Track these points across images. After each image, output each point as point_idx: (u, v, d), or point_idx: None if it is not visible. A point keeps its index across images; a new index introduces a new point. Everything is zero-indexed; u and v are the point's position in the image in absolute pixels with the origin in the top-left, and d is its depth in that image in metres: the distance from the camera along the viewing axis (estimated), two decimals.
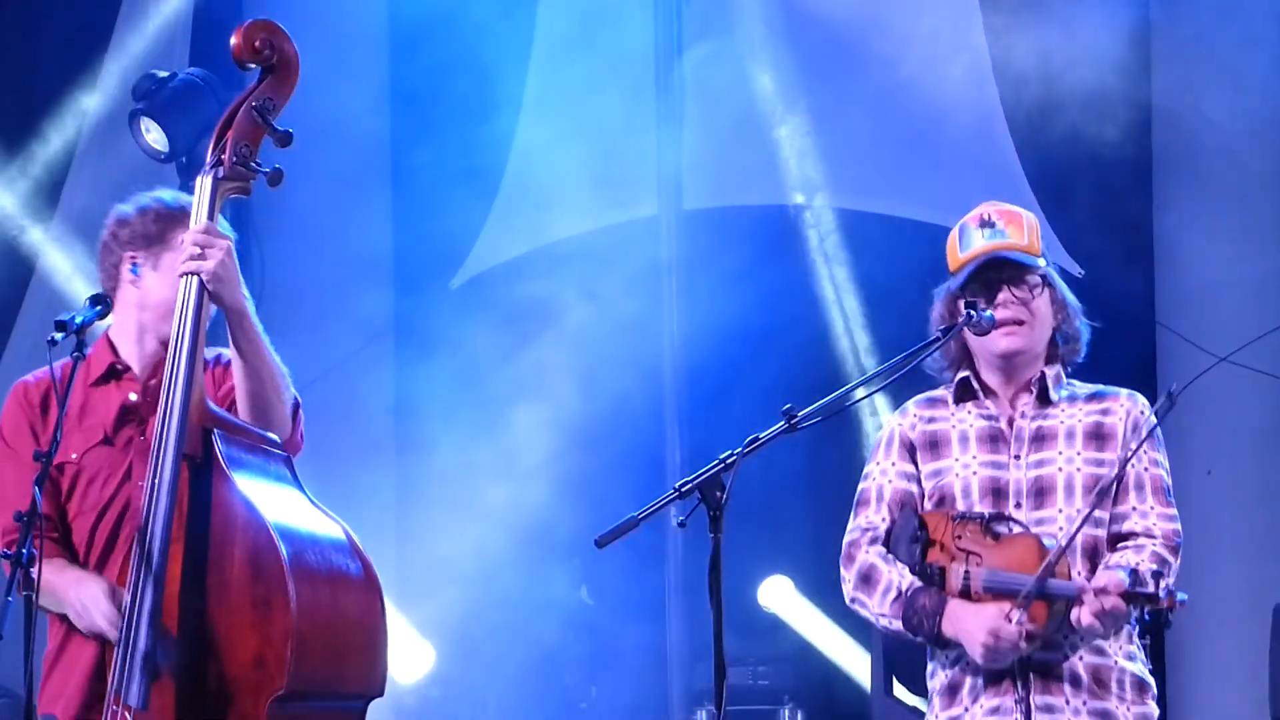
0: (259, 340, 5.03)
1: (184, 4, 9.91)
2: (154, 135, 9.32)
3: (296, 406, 5.14)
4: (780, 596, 9.91)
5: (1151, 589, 4.94)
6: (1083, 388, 5.36)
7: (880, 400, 9.39)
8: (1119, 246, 9.56)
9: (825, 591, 9.53)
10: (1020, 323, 5.24)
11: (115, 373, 5.25)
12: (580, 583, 10.16)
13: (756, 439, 4.83)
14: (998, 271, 5.26)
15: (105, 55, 9.96)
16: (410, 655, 9.73)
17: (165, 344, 5.10)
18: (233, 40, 5.02)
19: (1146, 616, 5.00)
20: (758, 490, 8.85)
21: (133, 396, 5.21)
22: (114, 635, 4.87)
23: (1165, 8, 9.60)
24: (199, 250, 4.92)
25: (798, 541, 9.66)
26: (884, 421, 5.56)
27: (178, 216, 5.23)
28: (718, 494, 4.72)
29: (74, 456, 5.14)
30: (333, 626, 4.80)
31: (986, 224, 5.31)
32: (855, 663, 9.77)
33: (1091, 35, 9.42)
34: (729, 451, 4.76)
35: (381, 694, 4.91)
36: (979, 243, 5.28)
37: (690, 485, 4.74)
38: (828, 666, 9.96)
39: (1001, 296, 5.24)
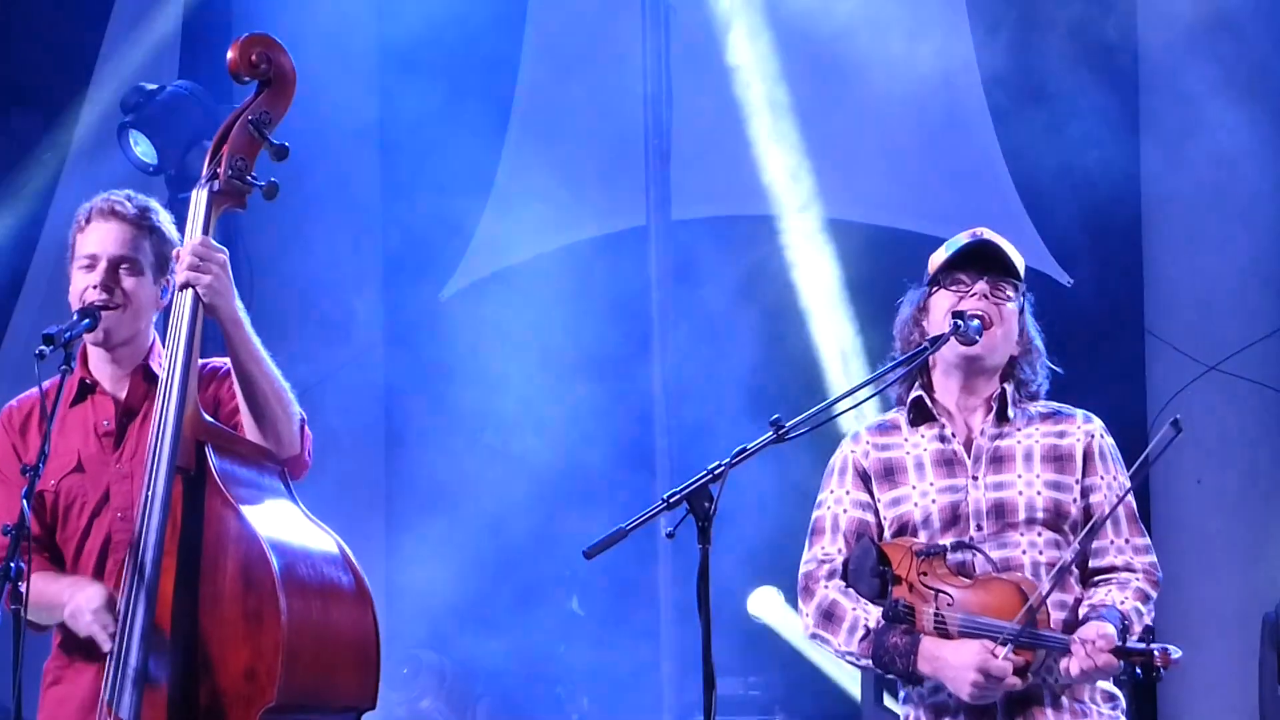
0: (258, 352, 5.02)
1: (173, 17, 9.91)
2: (142, 148, 9.33)
3: (303, 423, 5.13)
4: (770, 607, 9.91)
5: (1144, 645, 4.94)
6: (1036, 406, 5.32)
7: (869, 409, 9.39)
8: (1108, 255, 9.58)
9: None
10: (989, 325, 5.22)
11: (86, 390, 5.20)
12: (571, 594, 10.15)
13: (744, 449, 4.82)
14: (984, 261, 5.25)
15: (94, 67, 9.97)
16: (400, 667, 9.72)
17: (116, 360, 5.13)
18: (229, 54, 5.02)
19: (1139, 672, 4.99)
20: (747, 500, 8.87)
21: (105, 423, 5.19)
22: (106, 642, 4.85)
23: (1152, 20, 9.62)
24: (197, 262, 4.92)
25: (787, 551, 9.65)
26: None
27: (78, 222, 5.19)
28: (706, 505, 4.71)
29: (51, 484, 5.10)
30: (324, 639, 4.80)
31: (976, 237, 5.33)
32: (846, 673, 9.78)
33: (1080, 46, 9.44)
34: (717, 462, 4.76)
35: (373, 707, 4.90)
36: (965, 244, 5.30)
37: (678, 496, 4.73)
38: (818, 677, 9.96)
39: (980, 287, 5.23)
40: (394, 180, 10.22)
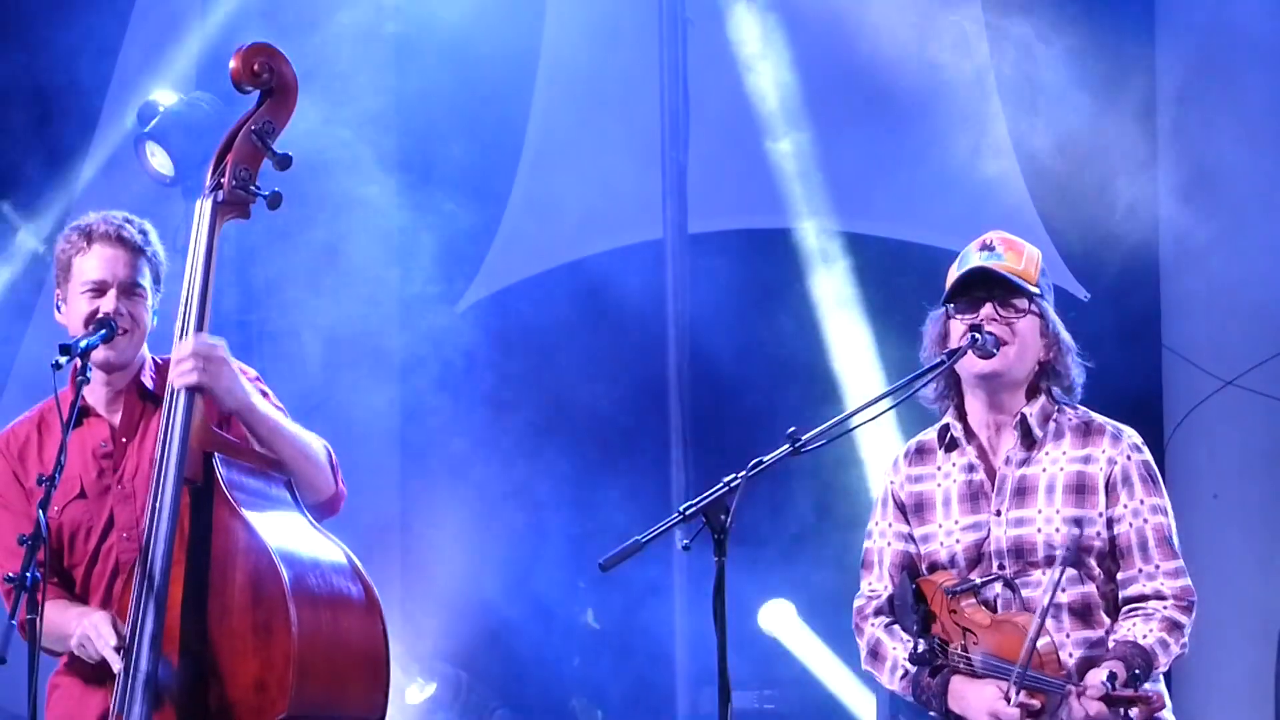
0: (276, 424, 5.04)
1: (190, 29, 9.92)
2: (159, 159, 9.34)
3: (330, 457, 5.15)
4: (782, 620, 9.88)
5: (1131, 692, 4.93)
6: (1071, 416, 5.30)
7: (887, 421, 9.39)
8: (1124, 269, 9.56)
9: (828, 615, 9.55)
10: (1002, 343, 5.20)
11: (80, 414, 5.16)
12: (586, 607, 10.15)
13: (760, 462, 4.83)
14: (986, 289, 5.24)
15: (111, 78, 9.97)
16: (415, 680, 9.72)
17: (110, 382, 5.14)
18: (231, 64, 5.06)
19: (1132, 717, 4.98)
20: (762, 513, 8.87)
21: (103, 444, 5.19)
22: (117, 662, 4.85)
23: (1171, 30, 9.61)
24: (204, 364, 4.91)
25: (802, 564, 9.66)
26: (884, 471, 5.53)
27: (76, 242, 5.19)
28: (722, 517, 4.72)
29: (55, 510, 5.10)
30: (334, 650, 4.81)
31: (987, 247, 5.31)
32: (860, 687, 9.76)
33: (1099, 57, 9.43)
34: (733, 475, 4.76)
35: (383, 717, 4.91)
36: (974, 263, 5.28)
37: (694, 509, 4.75)
38: (834, 690, 9.95)
39: (985, 312, 5.21)
40: (410, 192, 10.21)
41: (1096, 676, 4.97)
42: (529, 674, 9.91)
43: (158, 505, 4.82)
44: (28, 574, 4.61)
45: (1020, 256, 5.29)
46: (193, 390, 4.91)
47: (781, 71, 9.99)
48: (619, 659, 9.75)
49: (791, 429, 4.90)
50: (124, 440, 5.18)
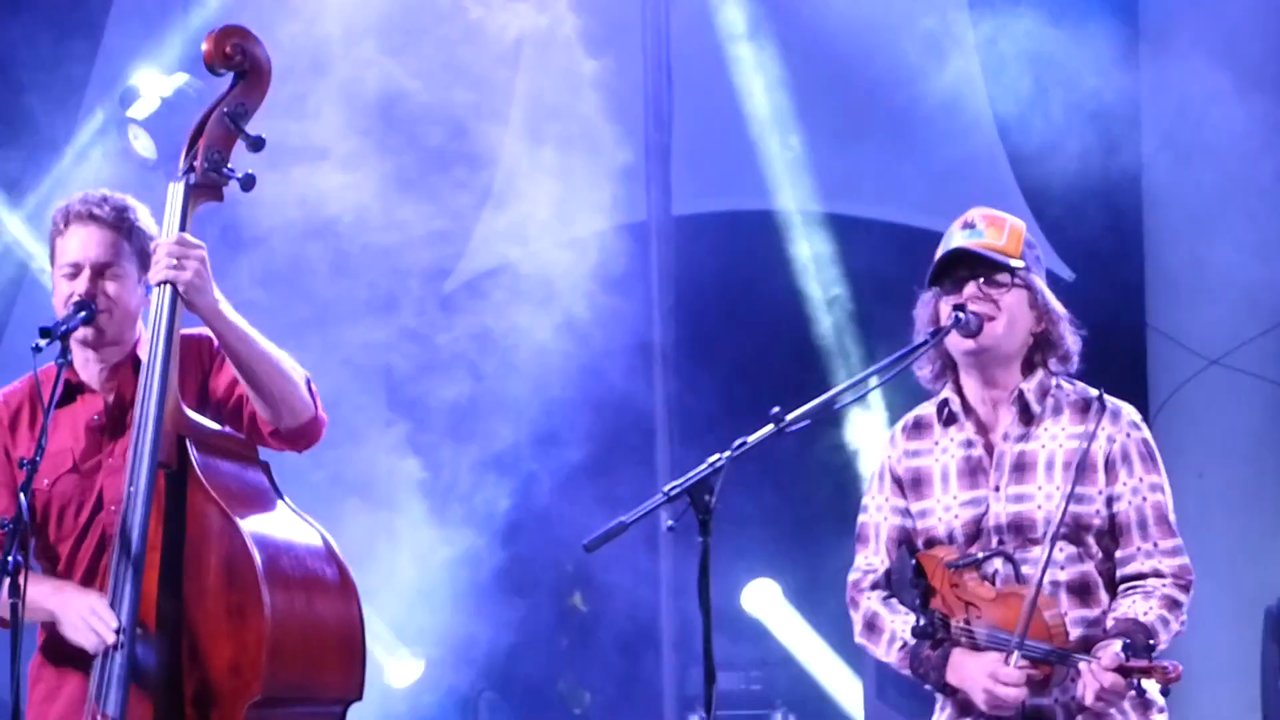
0: (245, 334, 5.00)
1: (174, 11, 9.90)
2: (142, 142, 9.32)
3: (309, 383, 5.11)
4: (765, 601, 9.88)
5: (1145, 663, 4.91)
6: (1070, 391, 5.28)
7: (873, 399, 9.41)
8: (1110, 249, 9.57)
9: (813, 595, 9.57)
10: (988, 319, 5.19)
11: (73, 390, 5.14)
12: (572, 588, 10.15)
13: (744, 442, 4.82)
14: (968, 268, 5.22)
15: (95, 61, 9.95)
16: (401, 661, 9.72)
17: (104, 357, 5.12)
18: (204, 46, 5.03)
19: (1143, 689, 4.95)
20: (747, 493, 8.86)
21: (96, 417, 5.18)
22: (112, 642, 4.83)
23: (1155, 12, 9.62)
24: (174, 261, 4.91)
25: (785, 544, 9.67)
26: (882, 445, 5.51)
27: (57, 224, 5.17)
28: (706, 498, 4.71)
29: (45, 483, 5.08)
30: (308, 632, 4.81)
31: (968, 225, 5.29)
32: (847, 667, 9.77)
33: (1082, 40, 9.44)
34: (717, 455, 4.76)
35: (360, 698, 4.91)
36: (955, 243, 5.27)
37: (679, 489, 4.73)
38: (821, 671, 9.96)
39: (968, 291, 5.20)
40: (398, 169, 10.19)
41: (1111, 648, 4.96)
42: (515, 656, 9.91)
43: (133, 490, 4.82)
44: (9, 558, 4.59)
45: (1002, 231, 5.26)
46: (161, 284, 4.90)
47: (765, 52, 9.98)
48: (605, 641, 9.75)
49: (775, 408, 4.89)
50: (119, 414, 5.16)
